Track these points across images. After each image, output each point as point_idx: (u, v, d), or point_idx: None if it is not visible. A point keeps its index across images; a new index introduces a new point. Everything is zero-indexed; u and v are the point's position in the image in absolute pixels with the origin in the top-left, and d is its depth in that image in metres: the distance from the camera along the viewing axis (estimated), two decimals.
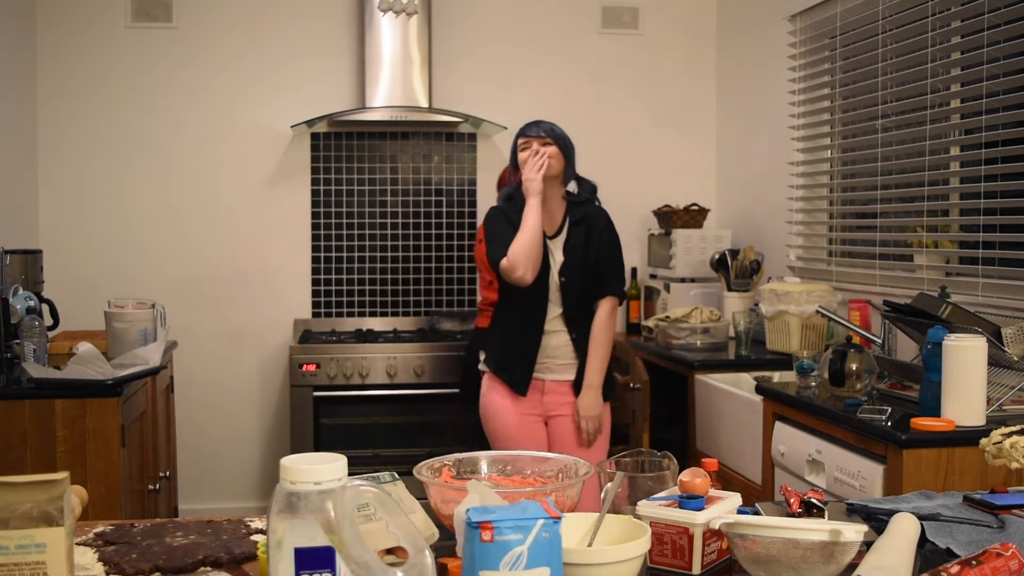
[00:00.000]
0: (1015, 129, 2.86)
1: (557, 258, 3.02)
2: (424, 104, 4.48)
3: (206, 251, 4.58)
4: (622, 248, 3.13)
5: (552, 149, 2.99)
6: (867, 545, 1.22)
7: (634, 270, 4.81)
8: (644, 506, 1.29)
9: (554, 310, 3.01)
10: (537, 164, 2.95)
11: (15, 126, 4.22)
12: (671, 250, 4.43)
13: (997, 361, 2.34)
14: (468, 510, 1.01)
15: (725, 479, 3.09)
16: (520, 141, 3.04)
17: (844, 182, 3.89)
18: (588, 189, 3.14)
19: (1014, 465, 1.53)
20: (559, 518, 1.01)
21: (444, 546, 1.28)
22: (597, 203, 3.13)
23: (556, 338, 3.02)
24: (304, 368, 4.14)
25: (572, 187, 3.15)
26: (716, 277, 4.19)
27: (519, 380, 3.01)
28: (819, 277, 3.84)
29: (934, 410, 2.22)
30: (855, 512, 1.48)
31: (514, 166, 3.06)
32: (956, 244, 3.17)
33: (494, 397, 3.04)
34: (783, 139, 4.15)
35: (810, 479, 2.57)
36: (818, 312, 3.20)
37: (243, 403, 4.62)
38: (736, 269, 4.05)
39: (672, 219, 4.55)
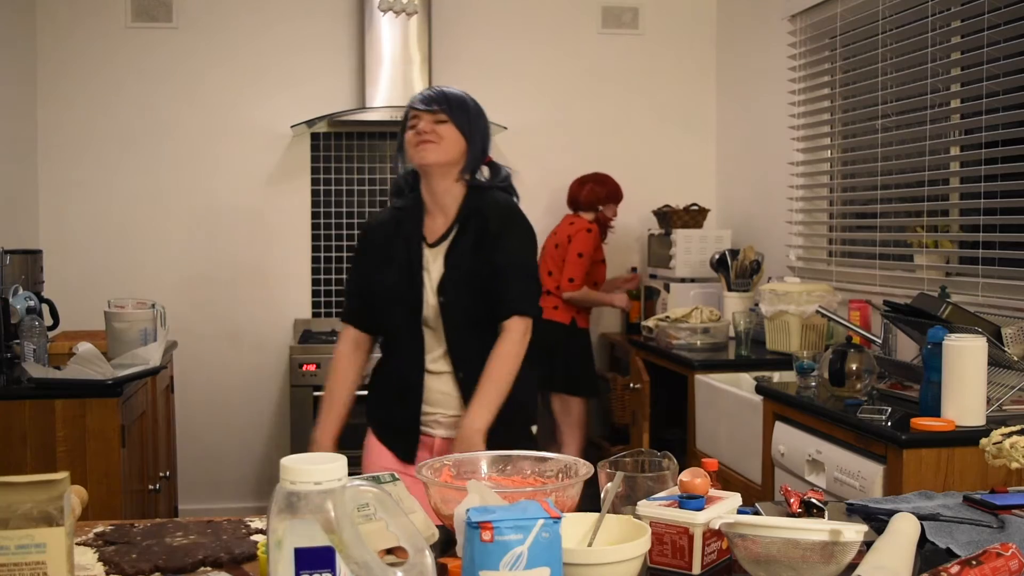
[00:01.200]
0: (1015, 129, 2.86)
1: (434, 272, 2.25)
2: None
3: (206, 251, 4.58)
4: (536, 249, 2.36)
5: (446, 129, 2.23)
6: (867, 545, 1.22)
7: (634, 270, 4.81)
8: (644, 506, 1.29)
9: (435, 344, 2.26)
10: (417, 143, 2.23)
11: (15, 126, 4.21)
12: (671, 250, 4.43)
13: (997, 361, 2.34)
14: (468, 510, 1.01)
15: (725, 479, 3.08)
16: (409, 116, 2.27)
17: (844, 182, 3.89)
18: (499, 177, 2.40)
19: (1014, 465, 1.53)
20: (559, 518, 1.01)
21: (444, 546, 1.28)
22: (510, 195, 2.38)
23: (440, 382, 2.25)
24: (304, 368, 4.14)
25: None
26: (716, 277, 4.19)
27: (402, 443, 2.28)
28: (819, 277, 3.84)
29: (934, 410, 2.22)
30: (855, 512, 1.48)
31: (400, 148, 2.32)
32: (956, 244, 3.17)
33: (376, 461, 2.32)
34: (783, 139, 4.15)
35: (810, 479, 2.57)
36: (818, 312, 3.20)
37: (243, 403, 4.62)
38: (736, 269, 4.05)
39: (672, 219, 4.55)
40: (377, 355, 2.42)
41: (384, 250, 2.34)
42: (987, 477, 2.09)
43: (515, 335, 2.22)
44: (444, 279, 2.24)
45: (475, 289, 2.23)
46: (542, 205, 4.76)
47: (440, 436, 2.26)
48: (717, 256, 4.12)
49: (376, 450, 2.33)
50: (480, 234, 2.25)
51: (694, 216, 4.56)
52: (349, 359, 2.39)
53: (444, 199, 2.29)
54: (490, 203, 2.30)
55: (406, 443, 2.27)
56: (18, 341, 2.99)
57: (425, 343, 2.26)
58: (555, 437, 4.31)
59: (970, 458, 2.13)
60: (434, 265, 2.27)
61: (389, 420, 2.32)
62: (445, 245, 2.28)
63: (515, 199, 2.39)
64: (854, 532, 1.13)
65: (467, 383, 2.22)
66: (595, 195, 4.39)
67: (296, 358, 4.15)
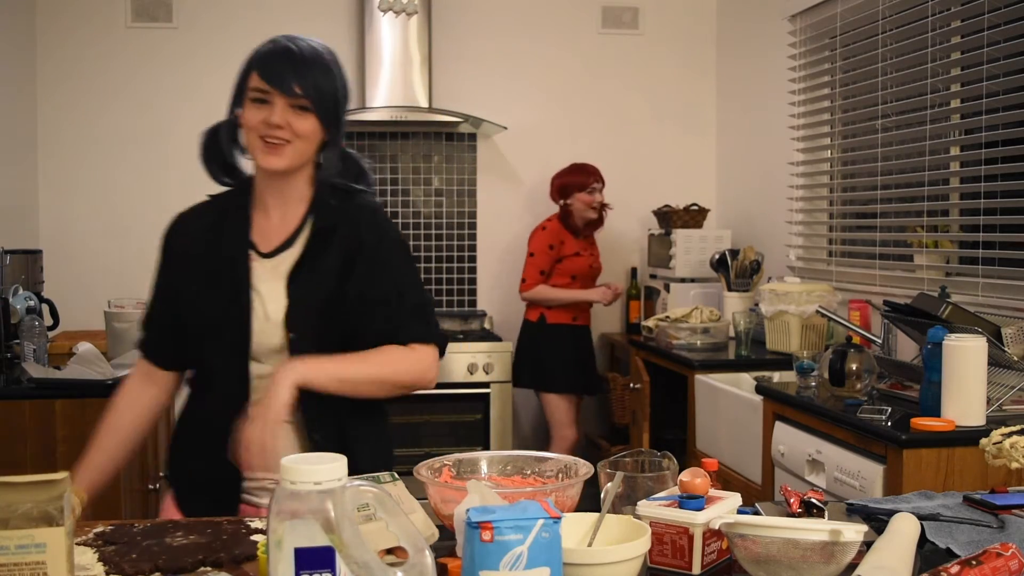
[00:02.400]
0: (1015, 129, 2.86)
1: (267, 293, 1.73)
2: (424, 104, 4.48)
3: None
4: (418, 271, 1.91)
5: (307, 123, 1.72)
6: (867, 545, 1.22)
7: (634, 270, 4.81)
8: (644, 506, 1.29)
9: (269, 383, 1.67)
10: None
11: (15, 126, 4.22)
12: (671, 250, 4.43)
13: (997, 361, 2.34)
14: (468, 510, 1.01)
15: (725, 479, 3.09)
16: (255, 85, 1.73)
17: (844, 182, 3.89)
18: (354, 172, 1.85)
19: (1014, 465, 1.53)
20: (559, 518, 1.01)
21: (444, 546, 1.29)
22: (370, 200, 1.85)
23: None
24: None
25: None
26: (716, 277, 4.19)
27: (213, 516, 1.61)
28: (819, 277, 3.84)
29: (934, 410, 2.22)
30: (855, 512, 1.48)
31: (236, 102, 1.79)
32: (956, 244, 3.17)
33: None
34: (783, 139, 4.15)
35: (810, 479, 2.57)
36: (818, 312, 3.20)
37: None
38: (736, 269, 4.05)
39: (672, 219, 4.55)
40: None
41: (197, 260, 1.78)
42: (987, 477, 2.09)
43: (420, 355, 1.76)
44: (294, 308, 1.72)
45: (340, 324, 1.74)
46: (542, 205, 4.76)
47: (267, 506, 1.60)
48: (717, 256, 4.12)
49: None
50: (349, 254, 1.75)
51: (694, 216, 4.56)
52: (135, 396, 1.85)
53: (286, 195, 1.79)
54: (359, 213, 1.80)
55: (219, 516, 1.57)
56: (18, 341, 2.99)
57: (252, 386, 1.72)
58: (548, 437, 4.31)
59: (970, 458, 2.13)
60: (268, 284, 1.74)
61: (197, 483, 1.75)
62: (287, 259, 1.76)
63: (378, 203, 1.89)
64: (854, 532, 1.13)
65: (323, 446, 1.69)
66: (556, 188, 4.29)
67: None
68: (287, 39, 1.77)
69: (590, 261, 4.31)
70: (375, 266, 1.77)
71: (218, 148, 1.82)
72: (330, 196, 1.80)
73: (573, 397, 4.29)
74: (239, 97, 1.78)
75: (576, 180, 4.25)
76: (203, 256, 1.78)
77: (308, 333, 1.72)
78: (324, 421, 1.72)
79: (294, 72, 1.72)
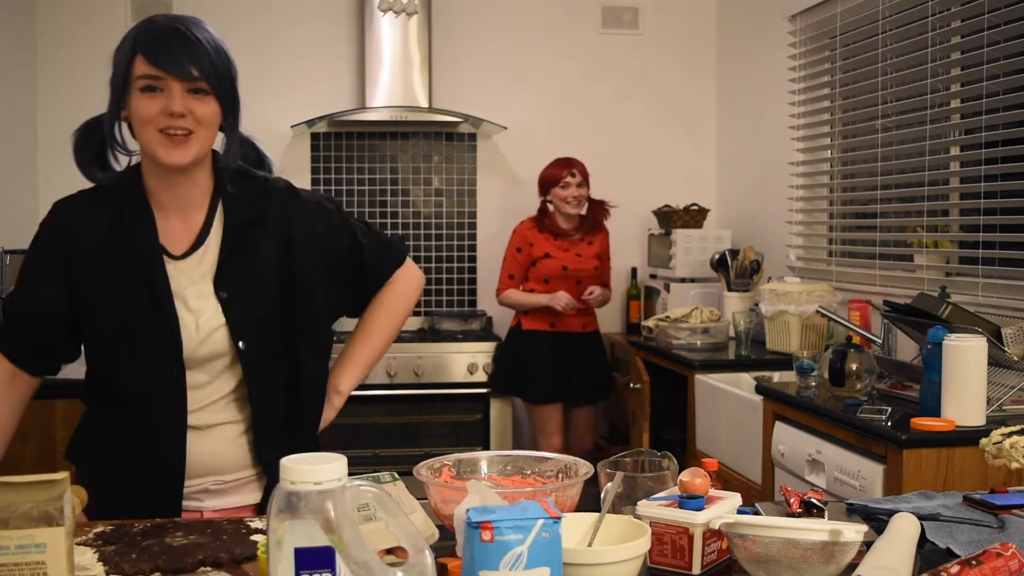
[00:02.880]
0: (1015, 129, 2.86)
1: (202, 303, 1.63)
2: (424, 104, 4.48)
3: None
4: (352, 214, 1.87)
5: (207, 107, 1.59)
6: (867, 545, 1.22)
7: (634, 270, 4.81)
8: (644, 506, 1.29)
9: (209, 395, 1.65)
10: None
11: (15, 126, 4.22)
12: (671, 250, 4.43)
13: (997, 361, 2.34)
14: (468, 510, 1.01)
15: (725, 479, 3.09)
16: (144, 72, 1.56)
17: (844, 182, 3.89)
18: (252, 158, 1.76)
19: (1014, 465, 1.53)
20: (559, 518, 1.01)
21: (444, 546, 1.28)
22: (279, 180, 1.75)
23: (214, 439, 1.65)
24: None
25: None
26: (716, 277, 4.19)
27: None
28: (819, 277, 3.84)
29: (934, 410, 2.22)
30: (855, 512, 1.48)
31: (120, 84, 1.60)
32: (956, 244, 3.17)
33: None
34: (783, 139, 4.15)
35: (810, 479, 2.57)
36: (818, 312, 3.20)
37: None
38: (736, 269, 4.05)
39: (672, 219, 4.55)
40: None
41: (102, 263, 1.62)
42: (987, 477, 2.09)
43: (407, 280, 1.82)
44: (233, 315, 1.61)
45: (289, 317, 1.67)
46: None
47: (211, 508, 1.67)
48: (717, 256, 4.12)
49: None
50: (286, 242, 1.67)
51: (694, 216, 4.56)
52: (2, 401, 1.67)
53: (184, 190, 1.64)
54: (279, 196, 1.70)
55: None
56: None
57: (188, 396, 1.62)
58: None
59: (970, 458, 2.13)
60: (192, 290, 1.62)
61: (132, 491, 1.62)
62: (205, 260, 1.64)
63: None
64: (854, 532, 1.13)
65: (270, 439, 1.66)
66: (538, 185, 4.13)
67: None
68: (165, 16, 1.62)
69: (564, 262, 4.06)
70: (324, 243, 1.71)
71: (93, 146, 1.68)
72: (236, 186, 1.67)
73: (557, 405, 4.10)
74: (121, 87, 1.58)
75: (551, 174, 4.05)
76: (108, 259, 1.61)
77: (256, 338, 1.64)
78: (273, 412, 1.68)
79: (185, 51, 1.56)
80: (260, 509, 1.70)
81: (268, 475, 1.70)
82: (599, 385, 4.21)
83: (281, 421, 1.69)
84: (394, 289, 1.83)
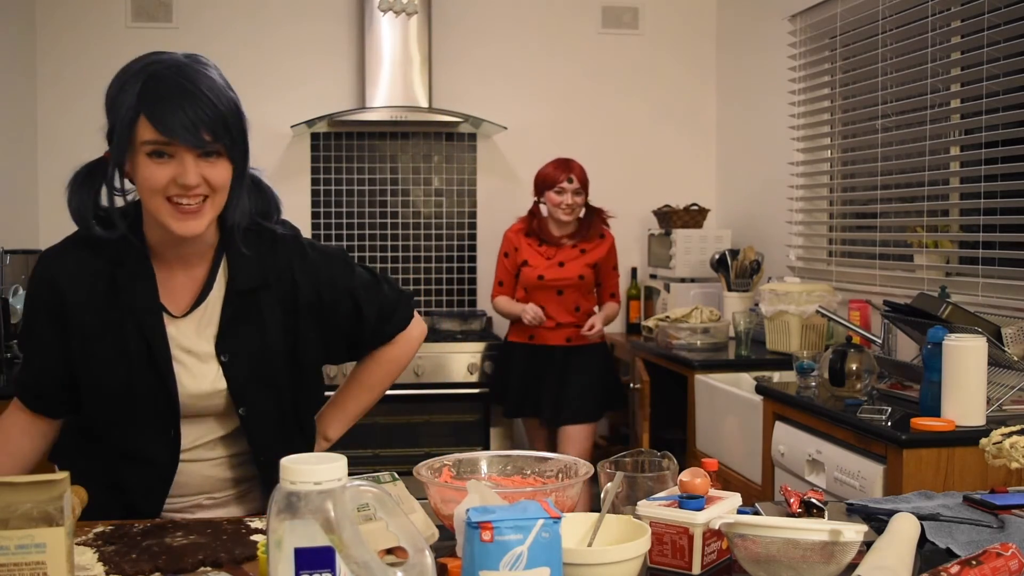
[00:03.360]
0: (1015, 129, 2.86)
1: (202, 365, 1.59)
2: (424, 104, 4.48)
3: None
4: (362, 270, 1.79)
5: (219, 170, 1.49)
6: (867, 545, 1.22)
7: (634, 270, 4.81)
8: (644, 506, 1.29)
9: (202, 434, 1.62)
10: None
11: (15, 126, 4.22)
12: (671, 250, 4.43)
13: (997, 361, 2.34)
14: (468, 510, 1.01)
15: (725, 479, 3.09)
16: (149, 138, 1.43)
17: (844, 182, 3.89)
18: (261, 204, 1.67)
19: (1014, 465, 1.53)
20: (559, 518, 1.01)
21: (444, 546, 1.28)
22: (286, 234, 1.67)
23: (205, 467, 1.64)
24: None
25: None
26: (716, 277, 4.19)
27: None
28: (819, 277, 3.84)
29: (934, 410, 2.22)
30: (855, 512, 1.48)
31: (123, 144, 1.46)
32: (956, 244, 3.17)
33: None
34: (783, 139, 4.15)
35: (810, 479, 2.57)
36: (818, 312, 3.20)
37: None
38: (736, 269, 4.05)
39: (672, 219, 4.55)
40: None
41: (98, 321, 1.54)
42: (987, 477, 2.09)
43: (407, 341, 1.79)
44: (236, 381, 1.58)
45: (293, 379, 1.64)
46: None
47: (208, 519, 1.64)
48: (717, 256, 4.12)
49: None
50: (290, 305, 1.62)
51: (694, 216, 4.56)
52: (16, 448, 1.62)
53: (191, 247, 1.56)
54: (286, 257, 1.64)
55: None
56: (18, 341, 2.99)
57: (183, 438, 1.60)
58: None
59: (970, 458, 2.13)
60: (192, 352, 1.57)
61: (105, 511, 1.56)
62: (206, 321, 1.59)
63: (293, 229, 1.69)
64: (854, 532, 1.13)
65: (268, 466, 1.64)
66: (534, 184, 3.90)
67: None
68: (168, 66, 1.46)
69: (541, 271, 3.81)
70: (327, 309, 1.66)
71: (91, 197, 1.53)
72: (243, 243, 1.58)
73: (533, 420, 3.96)
74: (124, 148, 1.45)
75: (547, 175, 3.81)
76: (103, 318, 1.54)
77: (256, 401, 1.60)
78: (272, 444, 1.64)
79: (195, 113, 1.42)
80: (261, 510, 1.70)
81: (264, 484, 1.67)
82: (587, 404, 3.83)
83: (275, 453, 1.67)
84: (394, 348, 1.78)
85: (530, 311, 3.77)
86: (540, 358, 3.86)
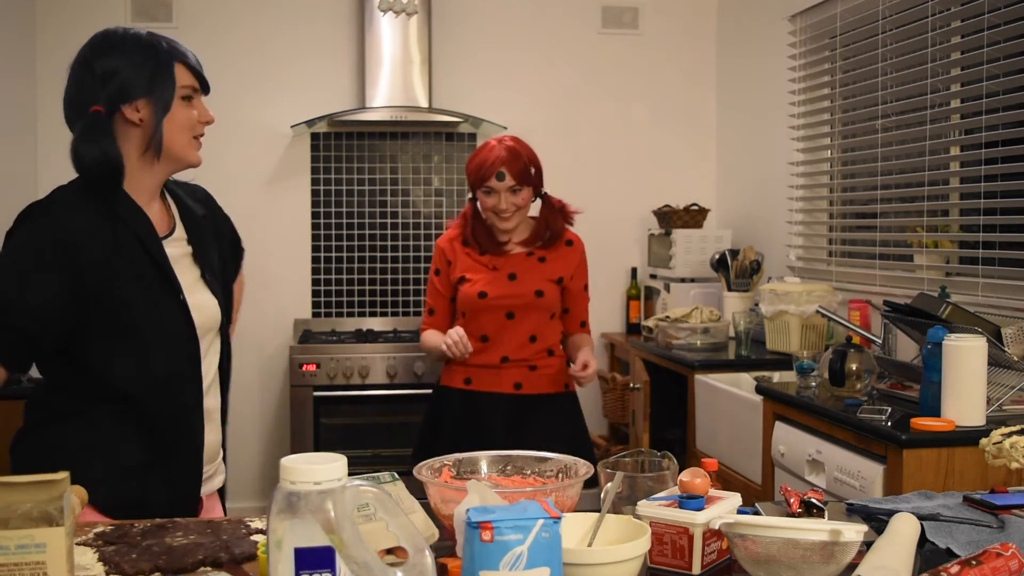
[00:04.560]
0: (1015, 129, 2.86)
1: (198, 285, 1.81)
2: (424, 104, 4.48)
3: None
4: None
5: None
6: (867, 545, 1.22)
7: (634, 270, 4.81)
8: (644, 506, 1.29)
9: (207, 367, 1.82)
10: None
11: (15, 126, 4.22)
12: (671, 250, 4.43)
13: (997, 361, 2.34)
14: (468, 510, 1.01)
15: (725, 479, 3.09)
16: (188, 82, 1.77)
17: (844, 182, 3.89)
18: None
19: (1014, 465, 1.53)
20: (559, 518, 1.01)
21: (444, 546, 1.28)
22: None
23: (211, 429, 1.83)
24: (304, 368, 4.14)
25: None
26: (716, 277, 4.19)
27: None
28: (819, 277, 3.84)
29: (934, 410, 2.22)
30: (855, 512, 1.48)
31: (162, 93, 1.73)
32: (956, 244, 3.17)
33: None
34: (783, 139, 4.15)
35: (810, 479, 2.57)
36: (818, 312, 3.20)
37: (243, 403, 4.62)
38: (736, 269, 4.05)
39: (672, 219, 4.55)
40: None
41: (107, 259, 1.67)
42: (987, 477, 2.09)
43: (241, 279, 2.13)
44: (220, 296, 1.83)
45: (226, 293, 1.90)
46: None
47: (205, 495, 1.83)
48: (717, 256, 4.12)
49: None
50: (219, 236, 1.94)
51: (694, 216, 4.56)
52: None
53: (157, 188, 1.81)
54: (204, 196, 1.97)
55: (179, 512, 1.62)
56: None
57: (203, 381, 1.79)
58: None
59: (970, 458, 2.13)
60: (186, 279, 1.77)
61: (158, 489, 1.69)
62: (179, 243, 1.80)
63: None
64: (854, 532, 1.13)
65: (225, 420, 1.90)
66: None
67: (296, 358, 4.15)
68: (151, 35, 1.78)
69: (482, 287, 2.68)
70: (228, 224, 2.01)
71: (108, 139, 1.70)
72: (170, 183, 1.87)
73: None
74: (162, 92, 1.70)
75: (471, 169, 2.70)
76: (113, 251, 1.67)
77: (225, 316, 1.86)
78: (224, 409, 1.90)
79: (200, 67, 1.80)
80: (221, 493, 1.90)
81: (224, 458, 1.91)
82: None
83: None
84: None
85: (452, 336, 2.60)
86: (481, 411, 2.69)
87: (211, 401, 1.81)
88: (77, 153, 1.68)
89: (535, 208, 2.78)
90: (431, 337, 2.74)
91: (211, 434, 1.80)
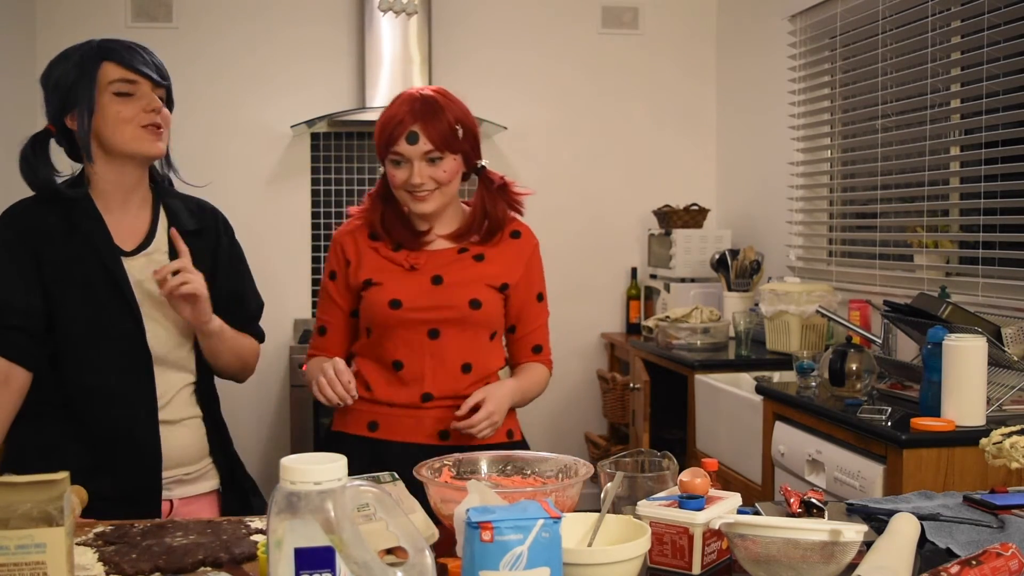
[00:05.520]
0: (1015, 129, 2.86)
1: (147, 294, 1.78)
2: None
3: None
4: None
5: (166, 113, 1.85)
6: (867, 545, 1.22)
7: (634, 270, 4.81)
8: (644, 506, 1.29)
9: (172, 386, 1.80)
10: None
11: (15, 127, 4.22)
12: (671, 250, 4.43)
13: (997, 361, 2.34)
14: (468, 510, 1.01)
15: (725, 479, 3.09)
16: (119, 76, 1.75)
17: (844, 182, 3.89)
18: (168, 159, 1.94)
19: (1014, 465, 1.53)
20: (559, 518, 1.01)
21: (444, 546, 1.28)
22: (202, 199, 1.99)
23: (180, 433, 1.80)
24: (304, 368, 4.12)
25: None
26: (716, 277, 4.19)
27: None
28: (819, 277, 3.84)
29: (934, 410, 2.22)
30: (855, 512, 1.48)
31: (81, 100, 1.75)
32: (956, 244, 3.17)
33: None
34: (783, 139, 4.15)
35: (810, 479, 2.57)
36: (818, 312, 3.20)
37: (243, 403, 4.62)
38: (736, 269, 4.05)
39: (672, 219, 4.55)
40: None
41: (64, 264, 1.73)
42: (987, 477, 2.09)
43: (254, 346, 2.03)
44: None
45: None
46: (541, 207, 4.76)
47: (179, 496, 1.82)
48: (717, 256, 4.12)
49: None
50: (214, 254, 1.89)
51: (694, 216, 4.56)
52: None
53: (132, 191, 1.82)
54: (210, 212, 1.95)
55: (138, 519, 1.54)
56: None
57: (157, 388, 1.77)
58: None
59: (970, 458, 2.13)
60: (149, 287, 1.76)
61: (112, 496, 1.66)
62: (155, 258, 1.80)
63: None
64: (854, 532, 1.13)
65: (219, 427, 1.90)
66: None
67: (296, 358, 4.14)
68: (90, 42, 1.78)
69: (397, 293, 1.94)
70: (233, 265, 1.93)
71: (41, 161, 1.78)
72: (170, 194, 1.89)
73: None
74: (84, 95, 1.72)
75: (376, 130, 1.94)
76: (70, 259, 1.73)
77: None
78: (215, 403, 1.93)
79: (147, 58, 1.78)
80: (221, 493, 1.88)
81: (220, 460, 1.89)
82: None
83: (217, 411, 1.92)
84: (244, 339, 1.96)
85: (329, 370, 1.85)
86: (389, 469, 1.57)
87: (183, 410, 1.81)
88: (22, 173, 1.78)
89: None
90: (315, 368, 1.97)
91: (182, 439, 1.80)
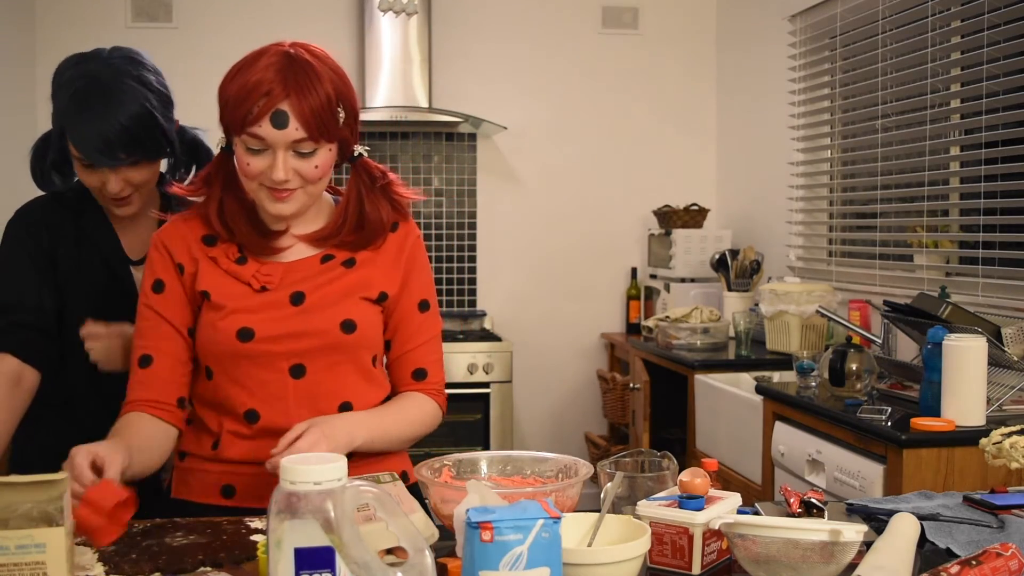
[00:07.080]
0: (1015, 129, 2.86)
1: None
2: (424, 104, 4.48)
3: None
4: None
5: (143, 174, 1.69)
6: (867, 545, 1.22)
7: (634, 270, 4.81)
8: (644, 506, 1.29)
9: None
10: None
11: (15, 127, 4.21)
12: (671, 250, 4.43)
13: (997, 361, 2.34)
14: (468, 510, 1.01)
15: (725, 479, 3.09)
16: (78, 155, 1.67)
17: (844, 182, 3.89)
18: (191, 150, 1.83)
19: (1014, 465, 1.53)
20: (559, 518, 1.01)
21: (444, 546, 1.28)
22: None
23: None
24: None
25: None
26: (716, 277, 4.19)
27: None
28: (819, 277, 3.84)
29: (934, 410, 2.22)
30: (855, 512, 1.48)
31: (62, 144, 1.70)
32: (956, 244, 3.17)
33: None
34: (783, 139, 4.15)
35: (810, 479, 2.57)
36: (818, 312, 3.20)
37: None
38: (736, 269, 4.05)
39: (672, 219, 4.55)
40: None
41: (73, 266, 1.74)
42: (987, 477, 2.09)
43: None
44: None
45: None
46: (541, 208, 4.78)
47: None
48: (717, 256, 4.12)
49: None
50: None
51: (694, 216, 4.56)
52: (4, 404, 1.66)
53: (133, 217, 1.79)
54: None
55: None
56: None
57: None
58: None
59: (970, 458, 2.13)
60: None
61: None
62: None
63: None
64: (854, 532, 1.13)
65: None
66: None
67: None
68: (89, 77, 1.65)
69: (244, 319, 1.52)
70: None
71: (49, 159, 1.79)
72: (180, 202, 1.72)
73: None
74: (64, 150, 1.73)
75: (229, 96, 1.55)
76: (78, 262, 1.74)
77: None
78: None
79: (111, 139, 1.60)
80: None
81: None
82: None
83: None
84: None
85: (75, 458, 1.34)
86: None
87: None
88: (32, 173, 1.83)
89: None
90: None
91: None
